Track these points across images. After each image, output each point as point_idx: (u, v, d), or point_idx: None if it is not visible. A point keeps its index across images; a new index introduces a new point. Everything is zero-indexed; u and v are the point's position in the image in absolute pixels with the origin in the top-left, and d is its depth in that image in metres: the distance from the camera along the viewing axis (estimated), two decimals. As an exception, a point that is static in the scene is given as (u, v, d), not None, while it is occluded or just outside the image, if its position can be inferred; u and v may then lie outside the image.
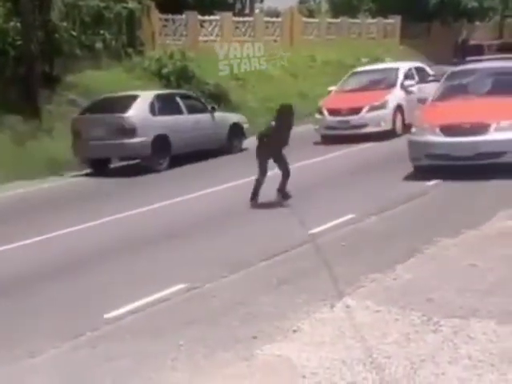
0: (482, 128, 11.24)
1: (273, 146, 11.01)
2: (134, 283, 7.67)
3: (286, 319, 5.98)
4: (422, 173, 11.74)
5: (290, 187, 11.13)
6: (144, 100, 16.44)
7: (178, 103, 17.19)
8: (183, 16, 25.94)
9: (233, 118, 18.81)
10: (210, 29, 26.95)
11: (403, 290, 6.45)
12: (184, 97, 17.93)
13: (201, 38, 26.42)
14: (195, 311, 6.55)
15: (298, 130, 11.48)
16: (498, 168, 11.01)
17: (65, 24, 20.74)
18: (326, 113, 17.84)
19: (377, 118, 17.38)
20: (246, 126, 18.50)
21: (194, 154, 16.65)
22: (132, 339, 6.03)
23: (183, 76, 22.38)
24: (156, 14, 24.87)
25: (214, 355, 5.42)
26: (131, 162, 17.14)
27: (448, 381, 4.62)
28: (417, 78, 19.09)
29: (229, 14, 28.00)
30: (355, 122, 17.35)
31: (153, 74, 22.63)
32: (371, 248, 8.11)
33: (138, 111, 16.10)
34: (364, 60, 29.99)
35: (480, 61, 16.58)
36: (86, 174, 16.72)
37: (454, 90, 12.96)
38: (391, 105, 17.73)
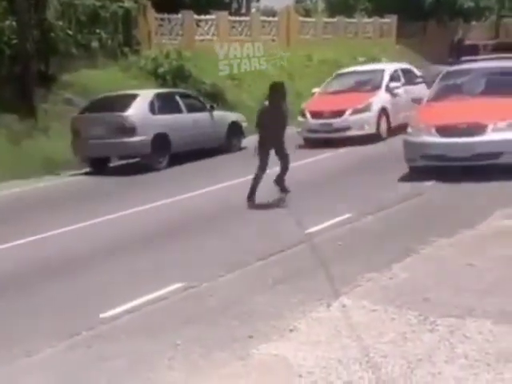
0: (478, 128, 11.17)
1: (272, 129, 10.89)
2: (131, 282, 7.66)
3: (282, 318, 5.98)
4: (417, 173, 11.69)
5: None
6: (144, 99, 16.48)
7: (177, 102, 17.23)
8: (179, 15, 25.92)
9: (231, 116, 18.87)
10: (206, 28, 26.94)
11: (400, 290, 6.45)
12: (183, 96, 17.98)
13: (197, 38, 26.40)
14: (192, 310, 6.54)
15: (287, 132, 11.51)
16: (494, 169, 10.96)
17: (60, 23, 20.73)
18: (308, 115, 17.45)
19: (360, 121, 16.97)
20: (244, 124, 18.53)
21: (193, 152, 16.67)
22: (128, 339, 6.02)
23: (179, 75, 22.38)
24: (152, 14, 24.85)
25: (211, 355, 5.42)
26: (131, 161, 17.13)
27: (444, 380, 4.62)
28: (403, 79, 18.74)
29: (225, 14, 28.00)
30: (338, 125, 16.96)
31: (149, 73, 22.63)
32: (368, 247, 8.11)
33: (138, 110, 16.13)
34: (361, 59, 30.02)
35: (475, 61, 16.55)
36: (85, 173, 16.73)
37: (449, 90, 12.89)
38: (375, 107, 17.30)
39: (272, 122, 10.90)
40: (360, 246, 8.21)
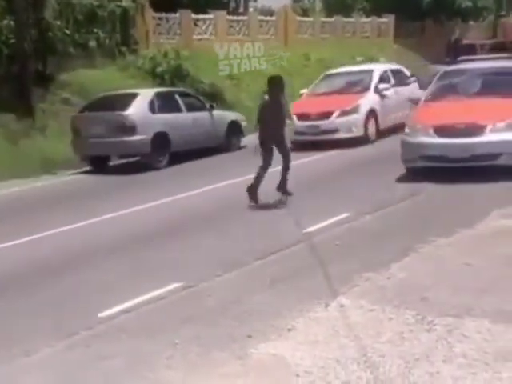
0: (477, 129, 11.10)
1: (273, 123, 10.84)
2: (129, 282, 7.66)
3: (280, 318, 5.99)
4: (413, 174, 11.62)
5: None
6: (144, 98, 16.53)
7: (177, 101, 17.29)
8: (177, 15, 25.90)
9: (231, 116, 18.92)
10: (203, 27, 26.93)
11: (397, 289, 6.46)
12: (183, 95, 18.02)
13: (195, 37, 26.38)
14: (190, 310, 6.55)
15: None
16: (493, 170, 10.90)
17: (58, 22, 20.71)
18: (294, 117, 16.80)
19: (348, 124, 16.58)
20: (243, 123, 18.56)
21: (192, 151, 16.69)
22: (126, 338, 6.03)
23: (177, 75, 22.37)
24: (150, 13, 24.82)
25: (209, 354, 5.42)
26: (131, 160, 17.14)
27: (442, 379, 4.63)
28: (393, 80, 18.40)
29: (223, 13, 27.98)
30: (325, 127, 16.53)
31: (147, 72, 22.61)
32: (365, 247, 8.12)
33: (138, 109, 16.18)
34: (358, 59, 30.00)
35: (473, 60, 16.53)
36: (85, 172, 16.74)
37: (447, 90, 12.83)
38: (363, 109, 16.87)
39: (272, 116, 10.85)
40: (358, 246, 8.22)
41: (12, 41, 19.24)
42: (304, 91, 18.77)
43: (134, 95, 16.70)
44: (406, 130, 12.09)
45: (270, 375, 4.98)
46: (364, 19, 36.55)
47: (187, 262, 8.27)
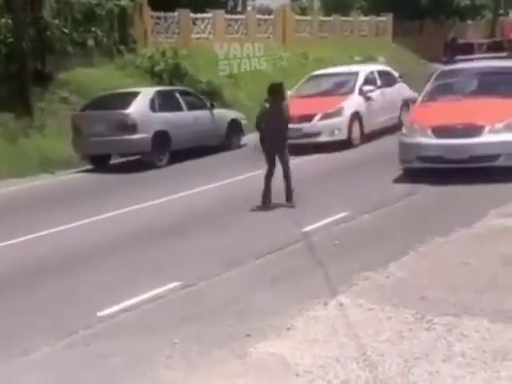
0: (475, 130, 11.01)
1: (274, 132, 10.70)
2: (128, 281, 7.67)
3: (279, 317, 6.00)
4: (411, 175, 11.53)
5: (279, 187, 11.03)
6: (144, 96, 16.55)
7: (177, 100, 17.30)
8: (175, 13, 25.88)
9: (231, 114, 18.94)
10: (202, 26, 26.91)
11: (396, 288, 6.47)
12: (183, 93, 18.02)
13: (193, 36, 26.37)
14: (190, 309, 6.55)
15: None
16: (491, 171, 10.83)
17: (56, 21, 20.66)
18: None
19: (330, 127, 15.91)
20: (244, 122, 18.56)
21: (193, 150, 16.71)
22: (126, 337, 6.04)
23: (176, 74, 22.34)
24: (148, 12, 24.80)
25: (209, 353, 5.43)
26: (131, 159, 17.14)
27: (441, 378, 4.65)
28: (379, 82, 17.76)
29: (221, 12, 27.97)
30: (307, 130, 15.79)
31: (145, 71, 22.59)
32: (364, 246, 8.12)
33: (139, 107, 16.19)
34: (357, 58, 30.01)
35: (470, 60, 16.45)
36: (85, 171, 16.71)
37: (444, 90, 12.72)
38: (347, 112, 16.18)
39: (274, 125, 10.71)
40: (357, 245, 8.23)
41: (10, 40, 19.21)
42: (288, 93, 17.93)
43: (135, 94, 16.73)
44: (404, 130, 12.00)
45: (269, 374, 4.98)
46: (362, 18, 36.55)
47: (187, 260, 8.28)
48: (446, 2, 40.27)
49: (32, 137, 17.80)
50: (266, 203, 10.62)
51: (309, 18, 33.84)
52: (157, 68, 22.53)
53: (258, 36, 28.35)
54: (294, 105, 16.28)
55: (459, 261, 7.10)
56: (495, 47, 32.89)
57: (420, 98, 12.75)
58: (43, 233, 10.31)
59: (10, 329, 6.60)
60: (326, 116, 16.04)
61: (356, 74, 17.69)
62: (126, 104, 16.14)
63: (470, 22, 44.11)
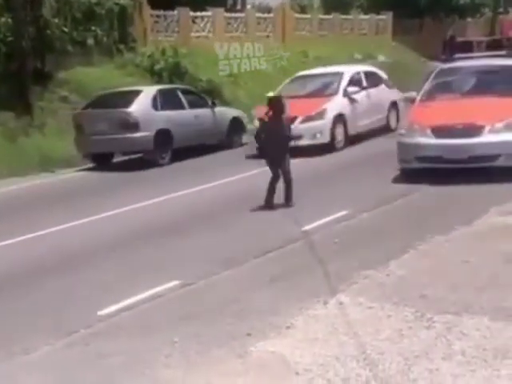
0: (475, 130, 10.93)
1: (275, 145, 10.58)
2: (128, 280, 7.66)
3: (279, 316, 5.99)
4: (409, 175, 11.46)
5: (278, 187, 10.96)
6: (147, 95, 16.61)
7: (179, 98, 17.36)
8: (175, 12, 25.87)
9: (233, 112, 18.98)
10: (202, 25, 26.90)
11: (396, 287, 6.46)
12: (185, 92, 18.09)
13: (193, 34, 26.36)
14: (189, 308, 6.55)
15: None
16: (491, 171, 10.76)
17: (56, 20, 20.66)
18: (256, 122, 15.28)
19: (312, 130, 15.30)
20: (245, 120, 18.56)
21: (195, 148, 16.71)
22: (125, 336, 6.03)
23: (176, 72, 22.36)
24: (148, 10, 24.80)
25: (208, 352, 5.43)
26: (133, 157, 17.14)
27: (442, 377, 4.64)
28: (365, 83, 17.22)
29: (221, 10, 27.95)
30: None
31: (145, 70, 22.60)
32: (364, 244, 8.12)
33: (141, 106, 16.25)
34: (357, 56, 29.99)
35: (470, 58, 16.31)
36: (87, 169, 16.73)
37: (443, 89, 12.64)
38: (330, 115, 15.61)
39: (274, 138, 10.60)
40: (356, 244, 8.22)
41: (10, 39, 19.22)
42: (271, 94, 17.85)
43: (137, 92, 16.80)
44: (402, 130, 11.87)
45: (269, 373, 4.98)
46: (362, 16, 36.53)
47: (186, 259, 8.27)
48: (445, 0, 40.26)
49: (32, 136, 17.82)
50: (271, 203, 10.56)
51: (308, 16, 33.83)
52: (157, 67, 22.55)
53: (258, 34, 28.36)
54: None
55: (459, 259, 7.10)
56: (494, 45, 32.83)
57: (419, 97, 12.56)
58: (43, 232, 10.31)
59: (9, 328, 6.59)
60: (308, 119, 15.45)
61: (341, 74, 17.12)
62: (128, 102, 16.20)
63: (469, 19, 44.08)
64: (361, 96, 16.75)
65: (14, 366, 5.65)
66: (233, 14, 29.14)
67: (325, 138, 15.49)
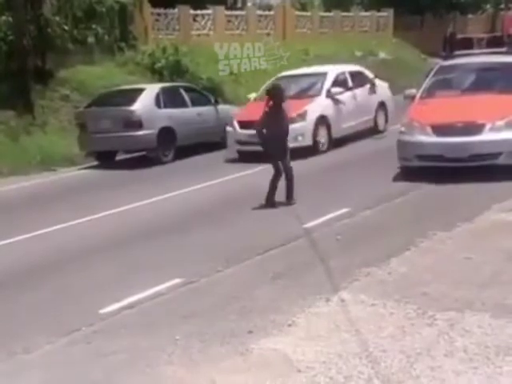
0: (476, 128, 10.85)
1: (275, 135, 10.62)
2: (130, 278, 7.66)
3: (281, 313, 5.99)
4: (410, 173, 11.40)
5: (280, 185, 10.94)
6: (150, 93, 16.64)
7: (182, 96, 17.41)
8: (176, 10, 25.87)
9: (235, 110, 18.92)
10: (202, 23, 26.90)
11: (398, 284, 6.46)
12: (188, 89, 18.13)
13: (193, 32, 26.36)
14: (191, 306, 6.55)
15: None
16: (491, 169, 10.70)
17: (57, 18, 20.63)
18: (236, 125, 15.47)
19: (293, 132, 13.30)
20: None
21: (198, 146, 16.72)
22: (127, 334, 6.03)
23: (176, 70, 22.36)
24: (148, 9, 24.79)
25: (210, 350, 5.43)
26: (136, 155, 17.15)
27: (444, 374, 4.64)
28: (351, 83, 16.63)
29: (221, 8, 27.94)
30: None
31: (146, 68, 22.60)
32: (366, 242, 8.11)
33: (144, 104, 16.29)
34: (358, 54, 29.96)
35: (470, 55, 16.20)
36: (89, 167, 16.72)
37: (443, 86, 12.54)
38: (312, 116, 15.00)
39: (274, 128, 10.62)
40: (358, 241, 8.21)
41: (11, 37, 19.23)
42: (252, 95, 16.99)
43: (140, 90, 16.84)
44: (402, 128, 11.75)
45: (271, 371, 4.97)
46: (363, 13, 36.50)
47: (188, 257, 8.27)
48: (446, -4, 40.26)
49: (33, 134, 17.83)
50: (272, 201, 10.54)
51: (309, 13, 33.80)
52: (157, 65, 22.56)
53: (259, 32, 28.33)
54: (255, 109, 14.78)
55: (461, 256, 7.09)
56: (495, 42, 32.78)
57: (418, 95, 12.46)
58: (46, 230, 10.30)
59: (11, 327, 6.59)
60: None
61: (324, 75, 16.51)
62: (132, 100, 16.25)
63: (470, 16, 44.01)
64: (346, 97, 16.15)
65: (16, 365, 5.65)
66: (233, 12, 29.15)
67: (307, 141, 14.78)
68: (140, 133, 15.91)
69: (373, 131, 16.93)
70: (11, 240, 9.93)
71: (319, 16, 33.62)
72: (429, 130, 11.17)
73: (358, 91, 16.79)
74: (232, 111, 18.70)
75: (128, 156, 17.46)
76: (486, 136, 10.80)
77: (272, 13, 31.03)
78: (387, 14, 36.76)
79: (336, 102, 15.80)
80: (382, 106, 17.48)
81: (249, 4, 34.23)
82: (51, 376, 5.40)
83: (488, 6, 45.75)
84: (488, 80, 12.33)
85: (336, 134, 15.64)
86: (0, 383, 5.43)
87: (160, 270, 7.78)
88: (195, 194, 12.21)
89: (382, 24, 36.65)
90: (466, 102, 11.57)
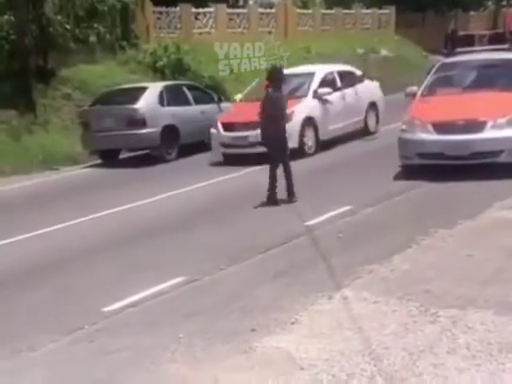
0: (477, 125, 10.78)
1: (272, 118, 10.57)
2: (133, 276, 7.67)
3: (283, 311, 6.00)
4: (411, 172, 11.35)
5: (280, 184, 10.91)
6: (153, 91, 16.70)
7: (185, 94, 17.48)
8: (177, 8, 25.87)
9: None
10: (204, 21, 26.89)
11: (400, 281, 6.46)
12: (191, 88, 18.18)
13: (195, 31, 26.36)
14: (194, 304, 6.56)
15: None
16: (493, 167, 10.67)
17: (59, 17, 20.67)
18: (220, 127, 15.04)
19: None
20: None
21: (201, 144, 16.73)
22: (131, 332, 6.05)
23: (178, 69, 22.37)
24: (150, 7, 24.80)
25: (213, 348, 5.44)
26: (139, 153, 17.16)
27: (447, 371, 4.64)
28: (339, 83, 16.15)
29: (223, 6, 27.94)
30: (253, 138, 13.58)
31: (147, 67, 22.62)
32: (368, 239, 8.12)
33: (148, 102, 16.34)
34: (360, 51, 29.93)
35: (472, 52, 16.11)
36: (92, 166, 16.76)
37: (444, 84, 12.48)
38: (298, 118, 14.42)
39: (271, 112, 10.61)
40: (360, 238, 8.22)
41: (13, 37, 19.26)
42: (239, 96, 16.80)
43: (143, 89, 16.89)
44: (403, 126, 11.65)
45: (274, 368, 4.98)
46: (364, 11, 36.47)
47: (190, 256, 8.28)
48: (448, -7, 40.17)
49: (35, 133, 17.86)
50: (274, 198, 10.55)
51: (310, 11, 33.78)
52: (159, 63, 22.58)
53: (260, 30, 28.32)
54: (240, 110, 15.16)
55: (463, 253, 7.09)
56: (497, 39, 32.68)
57: (420, 92, 12.38)
58: (49, 229, 10.33)
59: (15, 325, 6.61)
60: None
61: (311, 75, 15.96)
62: (135, 99, 16.30)
63: (472, 13, 43.93)
64: (334, 97, 15.66)
65: (20, 363, 5.66)
66: (235, 10, 29.16)
67: (293, 143, 13.65)
68: (143, 131, 15.96)
69: (363, 133, 16.49)
70: (13, 239, 9.96)
71: (321, 13, 33.61)
72: (430, 127, 11.11)
73: (348, 91, 16.33)
74: None
75: (131, 154, 17.49)
76: (488, 134, 10.73)
77: (273, 11, 31.02)
78: (389, 11, 36.75)
79: (324, 102, 15.36)
80: (372, 106, 16.97)
81: (250, 2, 34.22)
82: (55, 374, 5.42)
83: (490, 3, 45.64)
84: (490, 77, 12.27)
85: (323, 135, 15.21)
86: (4, 381, 5.45)
87: (163, 269, 7.79)
88: (199, 192, 12.22)
89: (384, 21, 36.63)
90: (468, 99, 11.50)
